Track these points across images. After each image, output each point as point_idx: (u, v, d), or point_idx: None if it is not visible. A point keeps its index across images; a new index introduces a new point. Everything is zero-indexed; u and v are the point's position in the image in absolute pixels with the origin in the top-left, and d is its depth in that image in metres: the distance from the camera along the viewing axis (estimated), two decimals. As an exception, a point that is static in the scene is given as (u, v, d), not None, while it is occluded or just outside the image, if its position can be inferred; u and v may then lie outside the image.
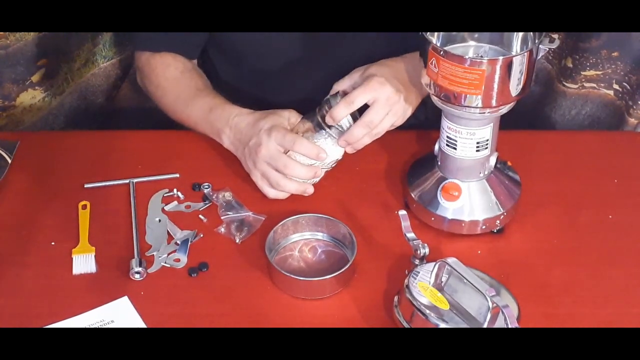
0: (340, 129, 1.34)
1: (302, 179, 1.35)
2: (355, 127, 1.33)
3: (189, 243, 1.32)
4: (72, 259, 1.30)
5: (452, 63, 1.20)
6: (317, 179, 1.36)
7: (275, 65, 1.54)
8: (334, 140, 1.35)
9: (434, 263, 1.18)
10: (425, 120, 1.61)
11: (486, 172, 1.33)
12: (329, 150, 1.34)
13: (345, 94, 1.35)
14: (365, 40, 1.47)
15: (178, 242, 1.32)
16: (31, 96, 1.63)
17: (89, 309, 1.23)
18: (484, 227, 1.33)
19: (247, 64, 1.56)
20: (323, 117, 1.33)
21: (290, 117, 1.36)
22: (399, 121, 1.38)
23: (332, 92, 1.38)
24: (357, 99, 1.32)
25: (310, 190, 1.36)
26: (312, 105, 1.36)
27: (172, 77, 1.51)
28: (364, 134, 1.33)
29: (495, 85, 1.21)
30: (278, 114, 1.36)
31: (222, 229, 1.35)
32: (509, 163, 1.38)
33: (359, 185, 1.42)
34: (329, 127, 1.33)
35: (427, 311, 1.15)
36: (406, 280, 1.19)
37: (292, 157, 1.33)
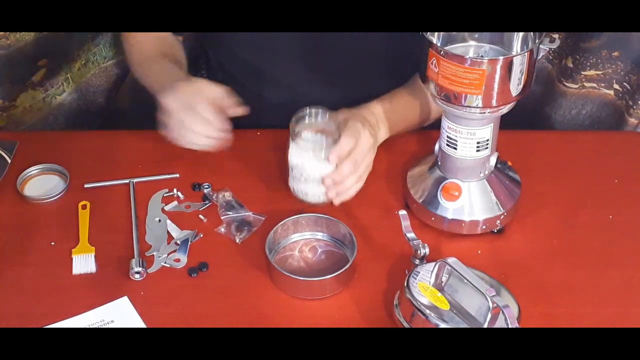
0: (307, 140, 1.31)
1: (203, 133, 1.32)
2: (341, 165, 1.29)
3: (189, 243, 1.32)
4: (72, 259, 1.30)
5: (452, 63, 1.20)
6: (321, 200, 1.33)
7: (274, 64, 1.54)
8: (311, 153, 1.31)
9: (434, 263, 1.18)
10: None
11: (486, 172, 1.33)
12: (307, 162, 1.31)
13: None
14: (365, 40, 1.47)
15: (178, 242, 1.32)
16: (31, 96, 1.63)
17: (89, 309, 1.23)
18: (484, 227, 1.33)
19: (245, 63, 1.56)
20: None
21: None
22: (369, 168, 1.34)
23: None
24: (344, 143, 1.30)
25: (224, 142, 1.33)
26: (310, 104, 1.36)
27: (145, 39, 1.53)
28: (350, 172, 1.30)
29: (496, 85, 1.21)
30: (197, 86, 1.34)
31: (222, 229, 1.35)
32: (509, 163, 1.38)
33: (359, 185, 1.42)
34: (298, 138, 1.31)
35: (427, 311, 1.15)
36: (406, 280, 1.19)
37: (304, 176, 1.31)
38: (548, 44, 1.24)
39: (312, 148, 1.30)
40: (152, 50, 1.52)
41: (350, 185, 1.31)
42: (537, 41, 1.23)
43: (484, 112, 1.25)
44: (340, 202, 1.32)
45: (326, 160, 1.29)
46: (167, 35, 1.55)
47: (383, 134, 1.41)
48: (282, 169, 1.37)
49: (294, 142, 1.31)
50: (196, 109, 1.30)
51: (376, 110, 1.41)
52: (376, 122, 1.39)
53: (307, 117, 1.33)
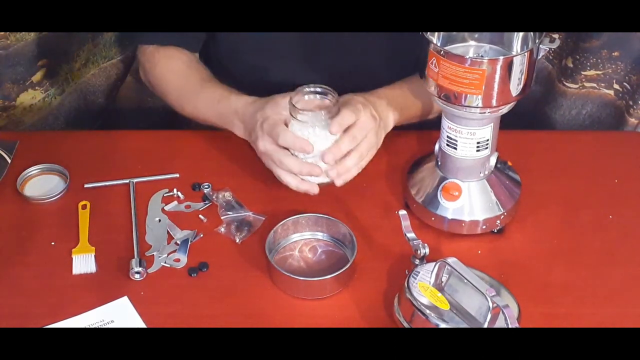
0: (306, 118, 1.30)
1: (298, 173, 1.31)
2: (340, 140, 1.29)
3: (189, 243, 1.32)
4: (72, 259, 1.30)
5: (452, 63, 1.20)
6: (323, 180, 1.33)
7: (275, 64, 1.54)
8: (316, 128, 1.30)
9: (434, 263, 1.18)
10: (425, 120, 1.60)
11: (486, 172, 1.33)
12: (314, 140, 1.30)
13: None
14: (366, 40, 1.47)
15: (178, 242, 1.32)
16: (31, 96, 1.63)
17: (89, 309, 1.23)
18: (484, 227, 1.33)
19: (246, 63, 1.56)
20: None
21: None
22: (373, 150, 1.35)
23: None
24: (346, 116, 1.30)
25: (314, 190, 1.32)
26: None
27: (177, 69, 1.51)
28: (349, 147, 1.30)
29: (496, 85, 1.21)
30: (274, 102, 1.35)
31: (222, 229, 1.35)
32: (509, 163, 1.38)
33: (359, 185, 1.42)
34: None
35: (427, 311, 1.15)
36: (406, 280, 1.19)
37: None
38: (548, 44, 1.24)
39: (311, 124, 1.30)
40: (190, 79, 1.50)
41: (350, 165, 1.31)
42: (537, 41, 1.23)
43: (484, 112, 1.25)
44: (342, 183, 1.32)
45: (325, 136, 1.29)
46: (197, 59, 1.54)
47: (393, 119, 1.41)
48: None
49: (294, 119, 1.30)
50: (282, 136, 1.29)
51: (384, 95, 1.41)
52: (384, 106, 1.39)
53: (307, 94, 1.33)
